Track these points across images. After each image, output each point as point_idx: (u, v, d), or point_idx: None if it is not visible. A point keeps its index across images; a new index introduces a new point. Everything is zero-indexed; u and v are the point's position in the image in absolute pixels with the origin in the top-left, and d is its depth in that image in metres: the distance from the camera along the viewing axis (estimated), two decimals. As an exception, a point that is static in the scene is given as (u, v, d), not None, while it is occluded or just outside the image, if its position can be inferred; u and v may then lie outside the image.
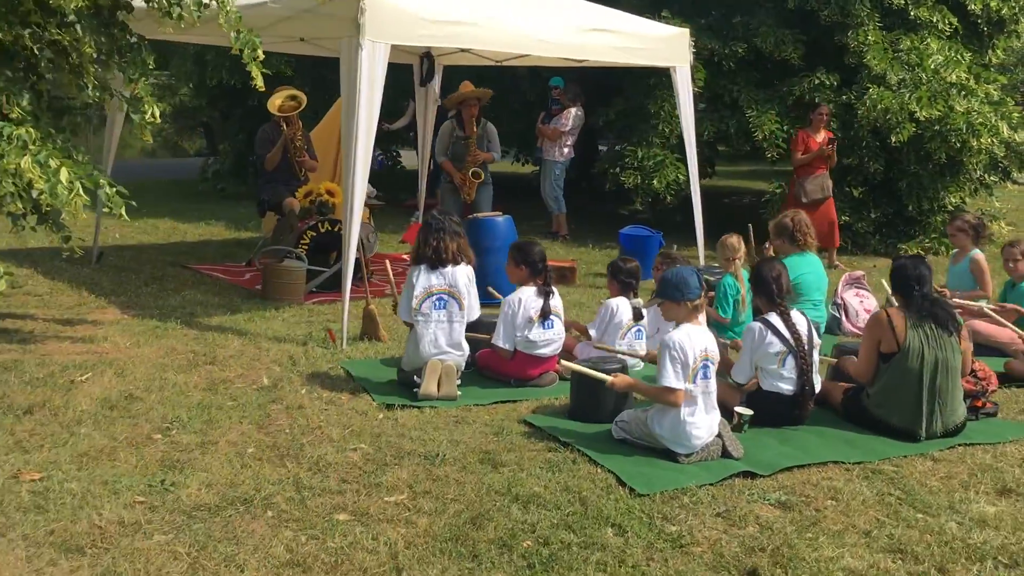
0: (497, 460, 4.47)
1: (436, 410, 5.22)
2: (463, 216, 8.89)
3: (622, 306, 6.03)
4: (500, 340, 5.73)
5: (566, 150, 11.85)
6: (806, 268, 7.20)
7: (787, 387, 5.03)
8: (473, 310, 5.63)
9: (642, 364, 6.25)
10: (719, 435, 4.61)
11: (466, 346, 5.61)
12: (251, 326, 6.88)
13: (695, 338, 4.57)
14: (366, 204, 9.10)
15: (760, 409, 5.04)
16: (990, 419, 5.34)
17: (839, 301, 7.54)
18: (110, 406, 5.09)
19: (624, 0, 12.13)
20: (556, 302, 5.84)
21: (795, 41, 11.49)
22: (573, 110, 11.78)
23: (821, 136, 10.53)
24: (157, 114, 5.97)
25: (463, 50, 8.81)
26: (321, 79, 13.06)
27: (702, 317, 6.06)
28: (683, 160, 11.43)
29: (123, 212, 6.08)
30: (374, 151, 12.41)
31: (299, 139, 8.89)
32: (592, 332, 6.06)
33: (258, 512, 3.88)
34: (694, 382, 4.52)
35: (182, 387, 5.45)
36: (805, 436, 4.93)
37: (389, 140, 13.94)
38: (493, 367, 5.86)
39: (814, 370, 5.09)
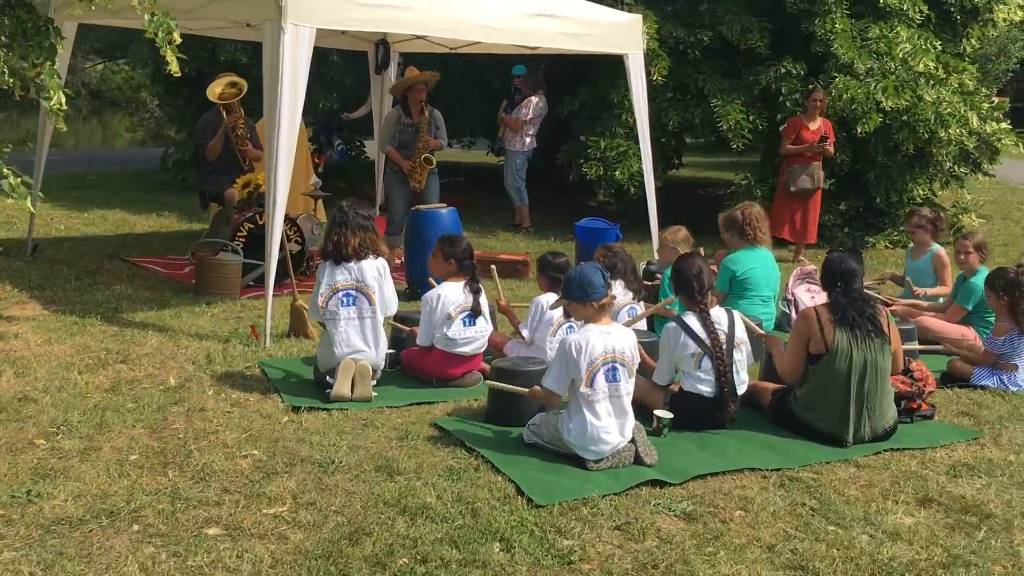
0: (394, 468, 4.23)
1: (345, 413, 4.97)
2: (411, 206, 8.66)
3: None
4: (418, 337, 5.48)
5: (528, 140, 11.58)
6: (755, 263, 6.98)
7: (706, 389, 4.79)
8: (388, 305, 5.38)
9: None
10: (632, 440, 4.37)
11: (383, 344, 5.36)
12: (175, 322, 6.62)
13: (597, 340, 4.32)
14: (310, 195, 8.91)
15: (681, 412, 4.80)
16: (926, 422, 5.10)
17: (789, 297, 7.30)
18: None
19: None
20: (484, 300, 5.59)
21: (761, 29, 11.22)
22: (534, 99, 11.51)
23: (816, 124, 10.15)
24: (63, 100, 5.70)
25: (419, 37, 8.55)
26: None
27: (636, 315, 5.86)
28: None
29: (28, 204, 5.84)
30: (335, 141, 12.20)
31: (241, 127, 8.60)
32: (524, 331, 5.81)
33: (123, 526, 3.63)
34: (591, 385, 4.27)
35: (83, 388, 5.19)
36: (727, 441, 4.69)
37: (351, 130, 13.64)
38: (416, 366, 5.62)
39: (735, 370, 4.85)
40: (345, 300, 5.25)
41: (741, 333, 4.92)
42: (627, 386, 4.38)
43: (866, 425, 4.69)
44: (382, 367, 5.42)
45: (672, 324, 4.87)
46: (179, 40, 6.03)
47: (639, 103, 8.52)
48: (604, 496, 4.00)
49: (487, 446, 4.49)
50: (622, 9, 10.69)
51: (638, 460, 4.34)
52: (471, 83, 13.52)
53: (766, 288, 7.02)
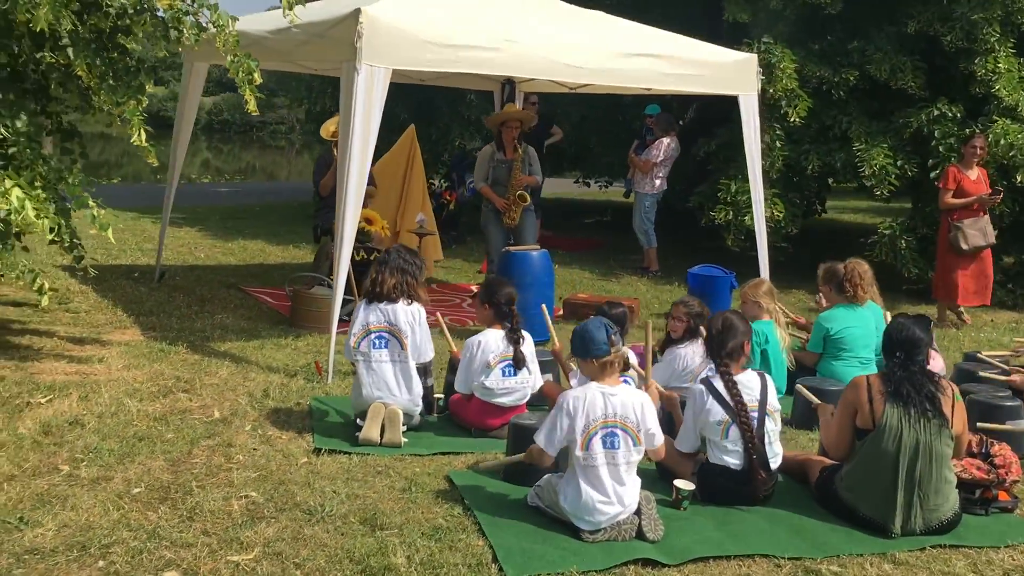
0: (381, 522, 4.08)
1: (364, 458, 4.87)
2: (507, 243, 8.53)
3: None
4: (457, 384, 5.34)
5: (658, 182, 11.25)
6: (853, 321, 6.46)
7: (733, 461, 4.38)
8: (421, 352, 5.26)
9: None
10: (639, 512, 4.04)
11: (417, 389, 5.23)
12: (255, 353, 6.75)
13: (596, 399, 4.02)
14: (416, 232, 8.96)
15: (707, 485, 4.41)
16: (1003, 515, 4.48)
17: (934, 361, 6.64)
18: (46, 431, 5.02)
19: (714, 27, 11.61)
20: (528, 348, 5.38)
21: (915, 69, 10.46)
22: (666, 140, 11.19)
23: (975, 173, 9.22)
24: (143, 138, 5.94)
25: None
26: (424, 106, 12.99)
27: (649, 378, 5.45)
28: (782, 196, 10.73)
29: (109, 233, 6.11)
30: (467, 178, 12.27)
31: (352, 164, 8.73)
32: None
33: (89, 561, 3.65)
34: (587, 449, 3.97)
35: (133, 416, 5.33)
36: (751, 520, 4.26)
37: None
38: (459, 414, 5.47)
39: (768, 440, 4.41)
40: (377, 342, 5.17)
41: (774, 400, 4.48)
42: (629, 455, 4.05)
43: (917, 515, 4.15)
44: (417, 412, 5.29)
45: (699, 386, 4.50)
46: (260, 80, 6.20)
47: (751, 147, 8.08)
48: (584, 572, 3.70)
49: (485, 505, 4.26)
50: (757, 49, 10.28)
51: (640, 534, 4.00)
52: (611, 122, 13.31)
53: (864, 349, 6.45)
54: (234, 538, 3.88)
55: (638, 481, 4.10)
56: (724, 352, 4.45)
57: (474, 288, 9.37)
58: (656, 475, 4.70)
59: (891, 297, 10.53)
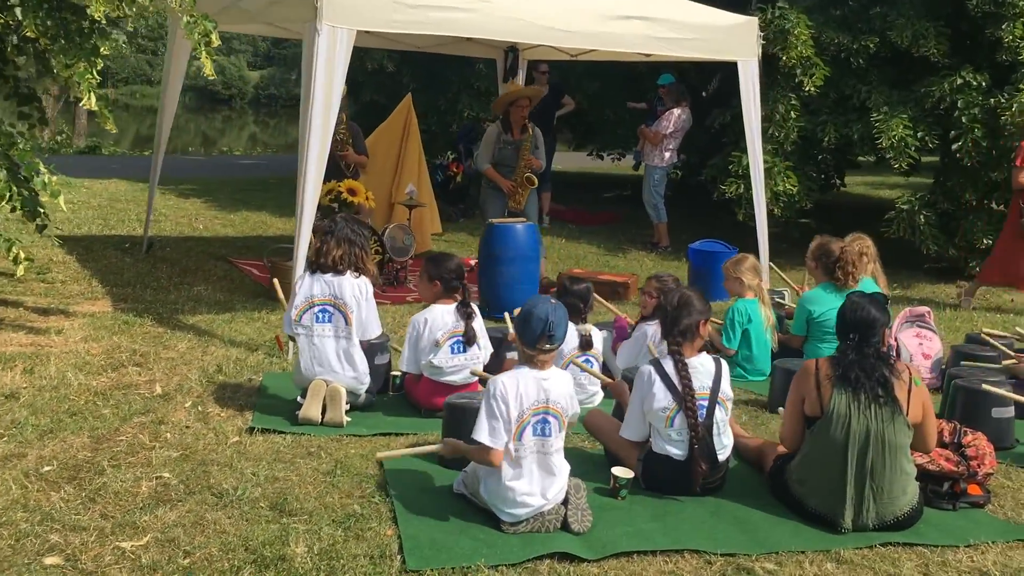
0: (291, 507, 3.84)
1: (299, 439, 4.64)
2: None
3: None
4: (403, 363, 5.08)
5: (668, 154, 10.86)
6: (838, 303, 6.01)
7: (676, 451, 4.07)
8: (366, 328, 4.99)
9: (600, 397, 5.41)
10: (565, 502, 3.75)
11: (362, 366, 4.97)
12: (223, 327, 6.55)
13: (531, 386, 3.72)
14: (406, 204, 8.69)
15: (649, 472, 4.11)
16: (973, 511, 4.12)
17: (892, 342, 6.26)
18: (-22, 405, 4.86)
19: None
20: (478, 324, 5.10)
21: (938, 35, 9.92)
22: (677, 111, 10.78)
23: None
24: (93, 102, 5.72)
25: (539, 44, 8.09)
26: (432, 75, 12.70)
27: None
28: (797, 169, 10.29)
29: (60, 201, 5.94)
30: (474, 151, 11.97)
31: (341, 132, 8.46)
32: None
33: (-29, 543, 3.45)
34: (520, 439, 3.69)
35: (74, 390, 5.15)
36: (693, 512, 3.96)
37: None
38: (411, 393, 5.22)
39: (717, 431, 4.09)
40: (321, 316, 4.92)
41: (727, 387, 4.14)
42: (558, 441, 3.77)
43: (870, 510, 3.81)
44: (363, 391, 5.03)
45: (647, 367, 4.18)
46: (217, 43, 5.95)
47: (750, 116, 7.68)
48: (494, 566, 3.43)
49: (408, 492, 4.01)
50: (772, 14, 9.83)
51: (565, 525, 3.71)
52: (630, 93, 12.89)
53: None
54: (130, 522, 3.67)
55: (566, 468, 3.82)
56: (677, 331, 4.12)
57: (473, 263, 9.09)
58: (604, 461, 4.41)
59: (910, 275, 10.09)
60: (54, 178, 5.88)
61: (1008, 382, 5.30)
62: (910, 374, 3.91)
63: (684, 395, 4.00)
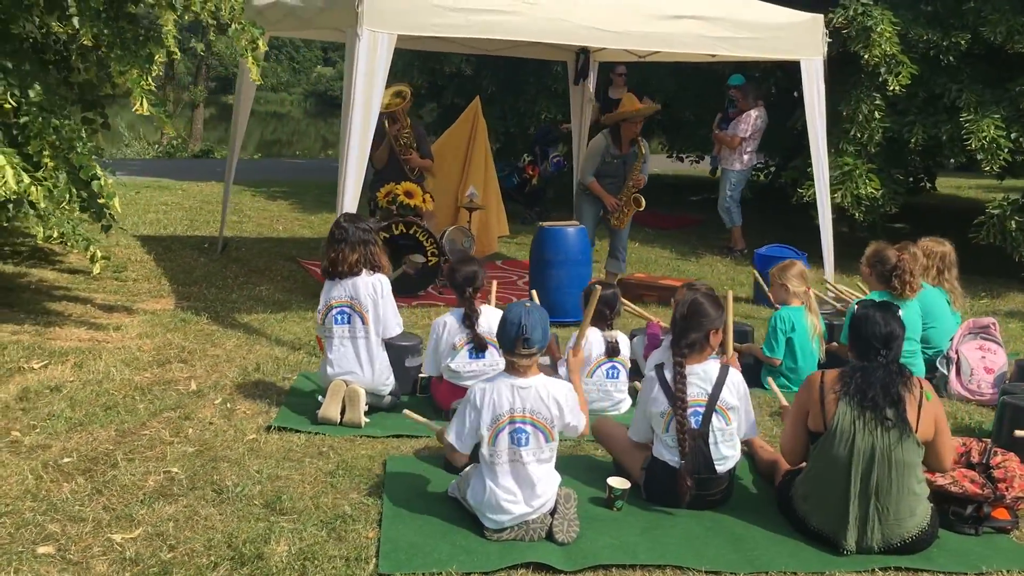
0: (284, 506, 3.89)
1: (313, 438, 4.70)
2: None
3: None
4: (425, 365, 5.10)
5: (746, 157, 10.58)
6: (892, 309, 5.78)
7: (672, 457, 3.95)
8: (385, 326, 5.02)
9: (627, 404, 5.31)
10: (554, 512, 3.69)
11: (381, 366, 5.00)
12: (274, 326, 6.69)
13: (504, 393, 3.67)
14: (466, 207, 8.72)
15: (650, 481, 4.01)
16: (996, 537, 3.88)
17: (952, 355, 5.95)
18: (23, 397, 5.08)
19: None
20: (486, 327, 5.04)
21: (1035, 31, 9.41)
22: (753, 113, 10.49)
23: None
24: (146, 107, 5.92)
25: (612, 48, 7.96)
26: (510, 78, 12.71)
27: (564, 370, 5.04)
28: (881, 172, 9.91)
29: (115, 203, 6.16)
30: (551, 153, 11.94)
31: (405, 136, 8.57)
32: (560, 368, 5.21)
33: (-28, 530, 3.61)
34: (494, 444, 3.64)
35: (116, 385, 5.34)
36: (687, 525, 3.84)
37: (569, 142, 13.34)
38: (434, 395, 5.23)
39: (714, 440, 3.95)
40: (339, 318, 4.97)
41: (730, 396, 4.00)
42: (539, 452, 3.69)
43: (875, 531, 3.62)
44: (385, 392, 5.07)
45: (651, 373, 4.08)
46: (264, 48, 6.09)
47: (814, 117, 7.44)
48: (466, 573, 3.39)
49: (402, 493, 4.01)
50: (855, 11, 9.49)
51: (551, 535, 3.65)
52: (711, 95, 12.64)
53: (905, 343, 5.77)
54: (128, 515, 3.78)
55: (555, 479, 3.75)
56: (684, 343, 4.00)
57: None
58: (613, 470, 4.32)
59: (1003, 285, 9.61)
60: (110, 180, 6.12)
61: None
62: (921, 388, 3.69)
63: (675, 402, 3.88)
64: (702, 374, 3.99)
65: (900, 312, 3.84)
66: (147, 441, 4.56)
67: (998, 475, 3.97)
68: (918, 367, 5.87)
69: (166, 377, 5.54)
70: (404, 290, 7.83)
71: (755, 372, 5.78)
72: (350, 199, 6.04)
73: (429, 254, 7.94)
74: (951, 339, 6.02)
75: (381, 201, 8.12)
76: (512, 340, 3.68)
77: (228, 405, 5.12)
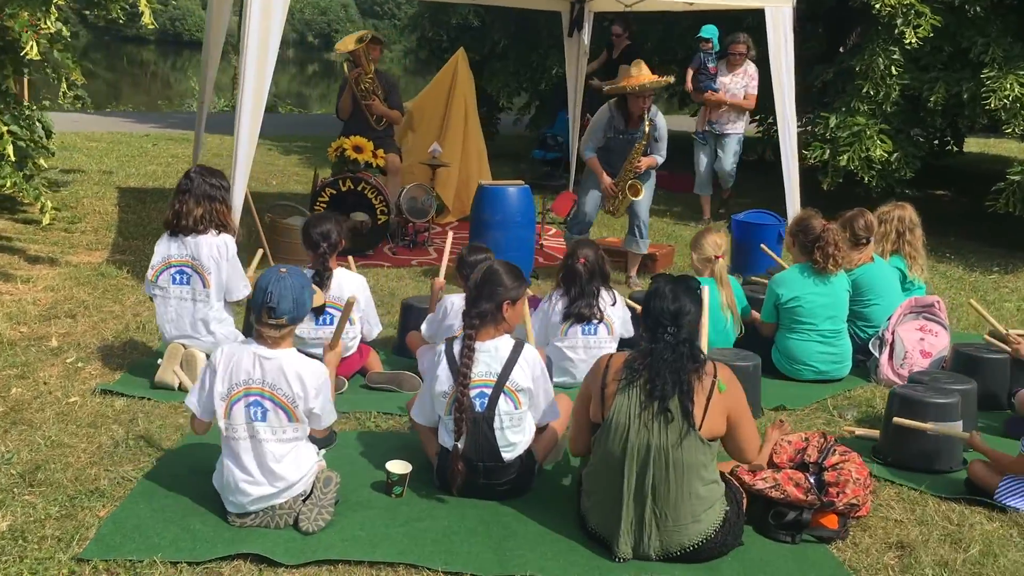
0: (40, 478, 3.66)
1: (135, 403, 4.46)
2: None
3: (459, 305, 4.71)
4: (424, 330, 4.87)
5: (747, 116, 9.80)
6: (813, 288, 5.26)
7: (450, 442, 3.55)
8: (228, 289, 4.72)
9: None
10: (307, 498, 3.35)
11: (224, 331, 4.70)
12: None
13: (244, 361, 3.33)
14: (428, 163, 8.34)
15: (440, 468, 3.62)
16: (811, 547, 3.37)
17: (887, 336, 5.35)
18: None
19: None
20: (337, 292, 4.69)
21: (1071, -23, 8.48)
22: (752, 67, 9.61)
23: None
24: (35, 51, 5.73)
25: None
26: (522, 30, 12.15)
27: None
28: (897, 133, 9.14)
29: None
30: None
31: (366, 81, 8.16)
32: (424, 327, 4.85)
33: None
34: (229, 417, 3.31)
35: (-17, 338, 5.20)
36: (457, 519, 3.45)
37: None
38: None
39: (499, 424, 3.53)
40: (178, 277, 4.68)
41: (521, 377, 3.56)
42: (281, 431, 3.34)
43: (652, 537, 3.17)
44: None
45: (441, 345, 3.67)
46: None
47: (780, 71, 6.78)
48: (172, 563, 3.09)
49: (169, 468, 3.75)
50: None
51: (296, 523, 3.32)
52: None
53: (828, 321, 5.24)
54: None
55: (307, 460, 3.40)
56: (475, 311, 3.58)
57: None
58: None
59: (1021, 257, 8.78)
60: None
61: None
62: (715, 378, 3.19)
63: (457, 381, 3.48)
64: (493, 351, 3.56)
65: (704, 289, 3.32)
66: (-34, 399, 4.39)
67: (829, 478, 3.46)
68: (843, 349, 5.30)
69: (40, 333, 5.38)
70: (346, 248, 7.52)
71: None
72: (243, 156, 5.75)
73: (378, 212, 7.60)
74: (888, 318, 5.41)
75: (330, 154, 7.80)
76: (259, 307, 3.33)
77: (79, 364, 4.92)
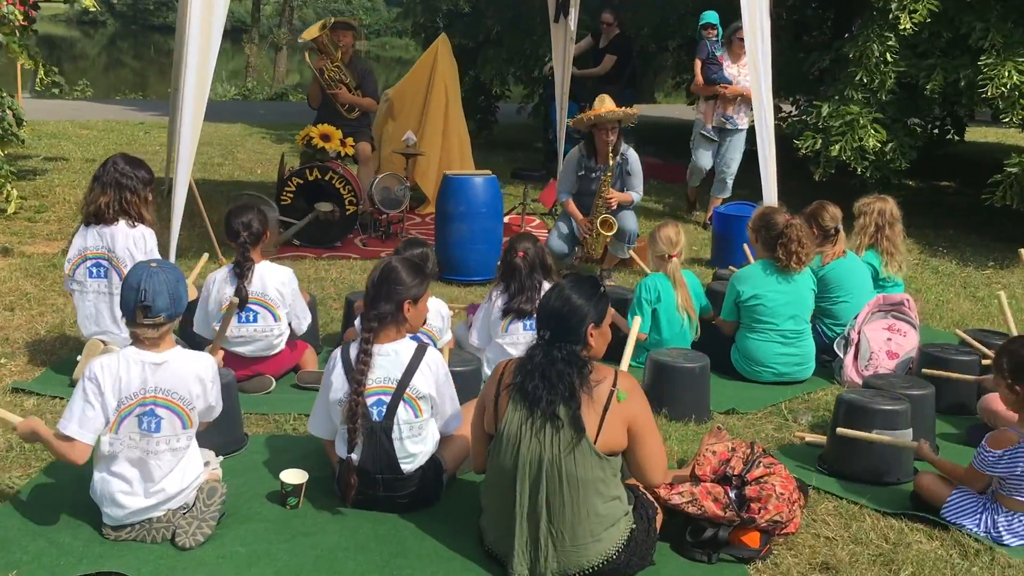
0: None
1: (47, 402, 4.27)
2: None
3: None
4: (196, 324, 4.58)
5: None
6: (775, 286, 5.00)
7: (344, 451, 3.33)
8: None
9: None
10: (189, 511, 3.14)
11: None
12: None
13: (133, 371, 3.09)
14: (402, 152, 8.12)
15: (338, 479, 3.40)
16: (731, 566, 3.12)
17: (853, 336, 5.07)
18: None
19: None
20: (259, 286, 4.47)
21: (1074, -40, 8.10)
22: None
23: None
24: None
25: None
26: (517, 15, 11.86)
27: None
28: (892, 123, 8.80)
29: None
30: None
31: (331, 70, 7.93)
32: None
33: None
34: (116, 432, 3.08)
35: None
36: (349, 534, 3.22)
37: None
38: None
39: (399, 434, 3.29)
40: (94, 271, 4.49)
41: (422, 383, 3.32)
42: (175, 439, 3.12)
43: (549, 557, 2.93)
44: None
45: (337, 350, 3.44)
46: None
47: (755, 56, 6.47)
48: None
49: (54, 476, 3.53)
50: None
51: (174, 538, 3.10)
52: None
53: (789, 321, 4.97)
54: None
55: (192, 470, 3.19)
56: (374, 313, 3.35)
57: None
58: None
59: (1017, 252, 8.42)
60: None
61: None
62: (612, 387, 2.94)
63: (352, 387, 3.25)
64: (393, 355, 3.33)
65: (598, 288, 3.06)
66: None
67: (751, 493, 3.20)
68: (805, 350, 5.03)
69: (-21, 324, 5.21)
70: (314, 240, 7.34)
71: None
72: (186, 145, 5.55)
73: (347, 202, 7.39)
74: (855, 317, 5.13)
75: (298, 142, 7.59)
76: (132, 307, 3.10)
77: (1, 360, 4.74)
